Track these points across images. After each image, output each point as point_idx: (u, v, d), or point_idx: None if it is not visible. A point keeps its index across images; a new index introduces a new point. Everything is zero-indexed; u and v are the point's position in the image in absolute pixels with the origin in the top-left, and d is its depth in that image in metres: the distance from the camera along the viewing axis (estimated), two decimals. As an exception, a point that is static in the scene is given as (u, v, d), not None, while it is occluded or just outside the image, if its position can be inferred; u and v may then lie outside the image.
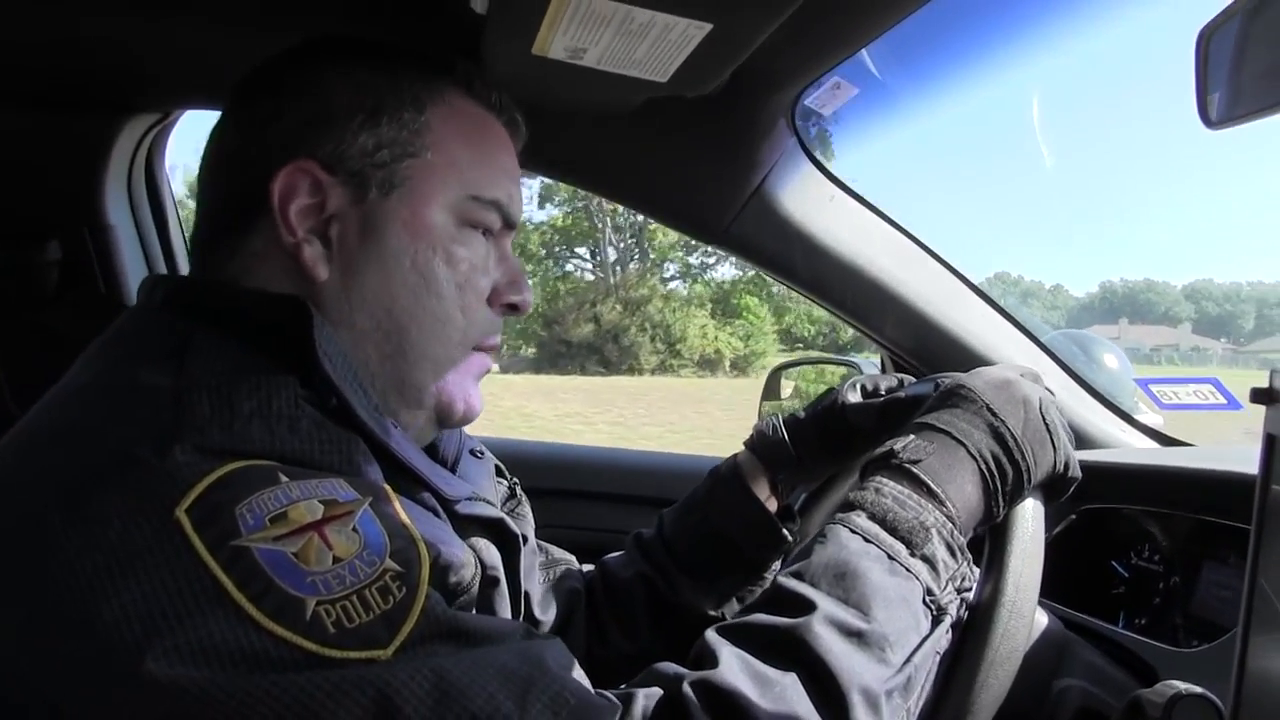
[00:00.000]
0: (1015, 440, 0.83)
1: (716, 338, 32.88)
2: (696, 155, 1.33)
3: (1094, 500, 1.25)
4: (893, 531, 0.78)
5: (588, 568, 1.21)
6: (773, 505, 1.11)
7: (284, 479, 0.62)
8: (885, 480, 0.82)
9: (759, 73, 1.11)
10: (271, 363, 0.71)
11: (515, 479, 1.12)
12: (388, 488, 0.67)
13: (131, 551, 0.57)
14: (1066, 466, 0.87)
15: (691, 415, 17.01)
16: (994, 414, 0.84)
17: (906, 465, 0.82)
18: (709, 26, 0.84)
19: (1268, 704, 0.49)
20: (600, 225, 37.82)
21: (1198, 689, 0.68)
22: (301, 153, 0.79)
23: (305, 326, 0.72)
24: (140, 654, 0.54)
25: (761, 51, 0.92)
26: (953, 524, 0.80)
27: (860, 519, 0.79)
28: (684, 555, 1.13)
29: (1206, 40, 0.70)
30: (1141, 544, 1.21)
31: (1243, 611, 0.51)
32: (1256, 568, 0.49)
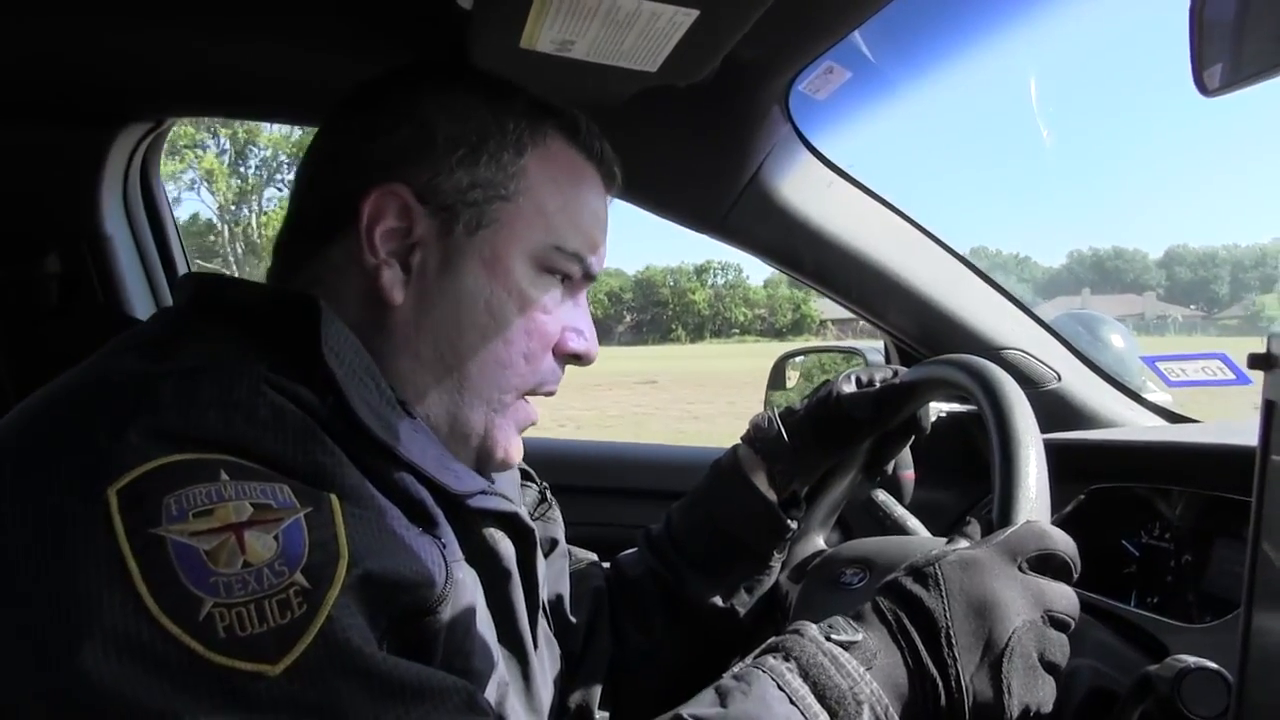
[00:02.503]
0: (956, 683, 0.71)
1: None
2: (690, 145, 1.32)
3: (1103, 479, 1.25)
4: (821, 698, 0.69)
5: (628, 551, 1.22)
6: (772, 496, 1.11)
7: (225, 477, 0.60)
8: (830, 632, 0.74)
9: (750, 59, 1.11)
10: (256, 354, 0.70)
11: (545, 483, 1.12)
12: (333, 497, 0.64)
13: (58, 525, 0.57)
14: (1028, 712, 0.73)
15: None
16: (950, 643, 0.72)
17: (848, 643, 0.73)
18: (695, 13, 0.84)
19: (1275, 671, 0.49)
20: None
21: (1207, 663, 0.67)
22: (397, 177, 0.79)
23: (313, 322, 0.72)
24: (48, 631, 0.55)
25: (751, 37, 0.91)
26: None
27: (790, 674, 0.70)
28: (691, 550, 1.13)
29: (1201, 7, 0.69)
30: (1152, 522, 1.20)
31: (1246, 580, 0.50)
32: (1259, 536, 0.48)
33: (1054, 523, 0.81)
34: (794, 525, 1.12)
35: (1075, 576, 0.78)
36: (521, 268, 0.83)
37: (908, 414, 1.13)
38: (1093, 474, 1.26)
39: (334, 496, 0.64)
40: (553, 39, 0.90)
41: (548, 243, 0.84)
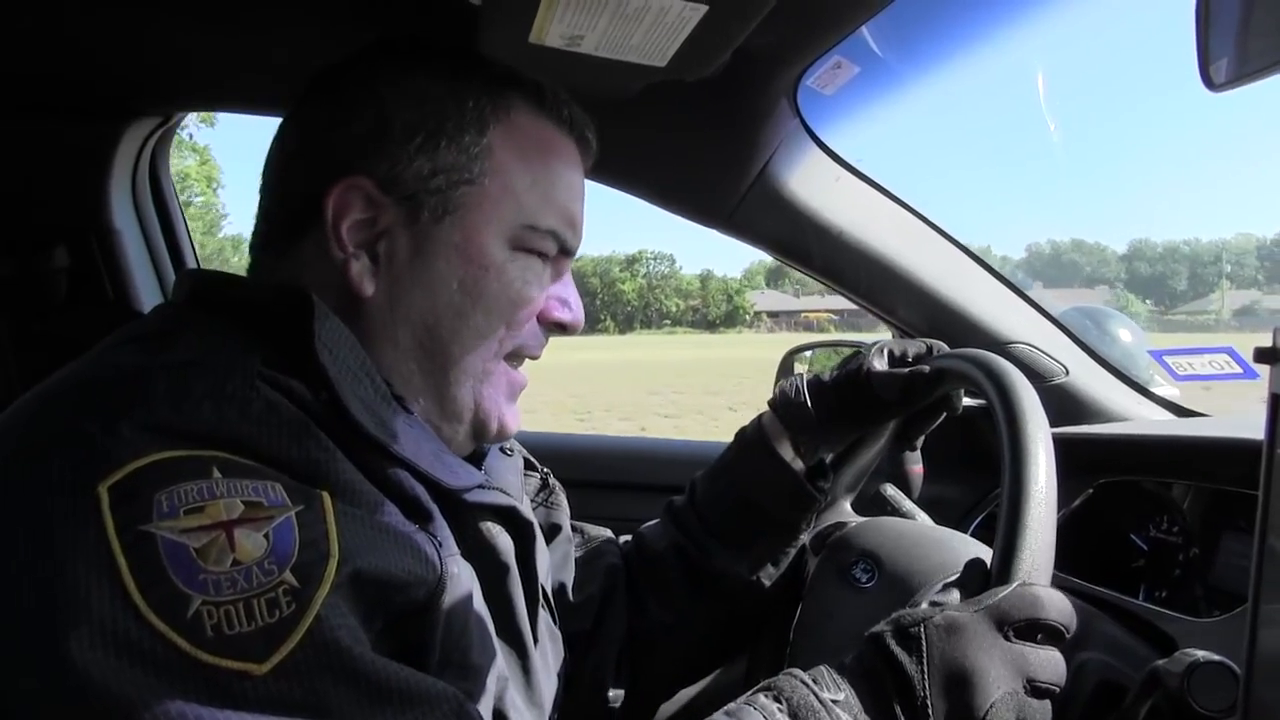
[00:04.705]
0: None
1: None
2: (698, 140, 1.32)
3: (1111, 473, 1.25)
4: None
5: (624, 537, 1.21)
6: (798, 466, 1.09)
7: (217, 473, 0.60)
8: (817, 689, 0.74)
9: (759, 54, 1.11)
10: (249, 348, 0.70)
11: (546, 469, 1.12)
12: (325, 495, 0.64)
13: (50, 520, 0.57)
14: None
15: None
16: (926, 715, 0.72)
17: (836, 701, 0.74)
18: (704, 8, 0.83)
19: (1282, 666, 0.49)
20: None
21: (1215, 656, 0.68)
22: (357, 170, 0.79)
23: (305, 318, 0.71)
24: (38, 624, 0.55)
25: (760, 32, 0.91)
26: None
27: (781, 715, 0.72)
28: (715, 521, 1.12)
29: (1206, 0, 0.69)
30: (1160, 516, 1.20)
31: (1253, 574, 0.50)
32: (1266, 530, 0.48)
33: (1061, 517, 0.81)
34: (819, 497, 1.10)
35: (1068, 638, 0.77)
36: (495, 249, 0.82)
37: (935, 398, 1.10)
38: (1101, 468, 1.26)
39: (326, 494, 0.64)
40: (562, 34, 0.89)
41: (519, 222, 0.83)
